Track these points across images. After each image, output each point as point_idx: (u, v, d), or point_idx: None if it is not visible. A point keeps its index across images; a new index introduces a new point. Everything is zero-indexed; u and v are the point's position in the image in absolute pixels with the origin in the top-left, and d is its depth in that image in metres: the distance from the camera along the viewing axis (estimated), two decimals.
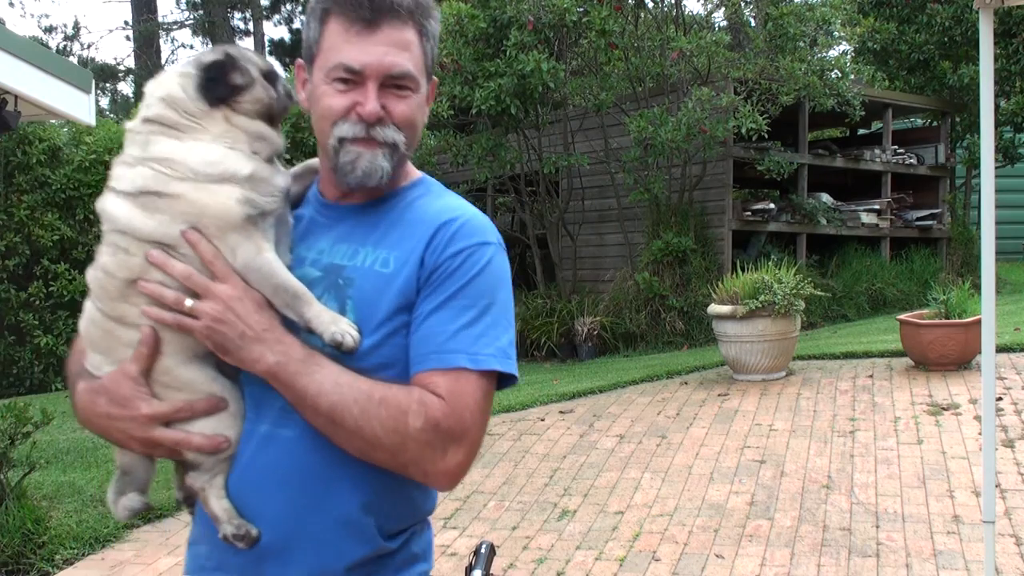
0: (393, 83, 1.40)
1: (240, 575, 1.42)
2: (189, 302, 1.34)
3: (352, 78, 1.39)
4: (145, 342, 1.36)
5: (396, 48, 1.39)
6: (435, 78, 1.54)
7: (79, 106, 5.62)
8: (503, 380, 1.42)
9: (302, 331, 1.37)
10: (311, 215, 1.48)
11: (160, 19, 22.40)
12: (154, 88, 1.43)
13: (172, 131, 1.39)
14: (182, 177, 1.35)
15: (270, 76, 1.47)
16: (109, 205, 1.38)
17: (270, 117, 1.46)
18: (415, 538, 1.49)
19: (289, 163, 1.54)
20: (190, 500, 1.48)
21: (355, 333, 1.36)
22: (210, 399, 1.38)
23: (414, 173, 1.52)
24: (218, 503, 1.40)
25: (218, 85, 1.39)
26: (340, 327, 1.35)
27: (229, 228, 1.34)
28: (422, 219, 1.43)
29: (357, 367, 1.36)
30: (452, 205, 1.46)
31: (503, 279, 1.44)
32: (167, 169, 1.35)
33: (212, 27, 21.91)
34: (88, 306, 1.42)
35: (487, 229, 1.44)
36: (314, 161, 1.53)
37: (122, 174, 1.38)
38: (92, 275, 1.40)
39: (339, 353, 1.35)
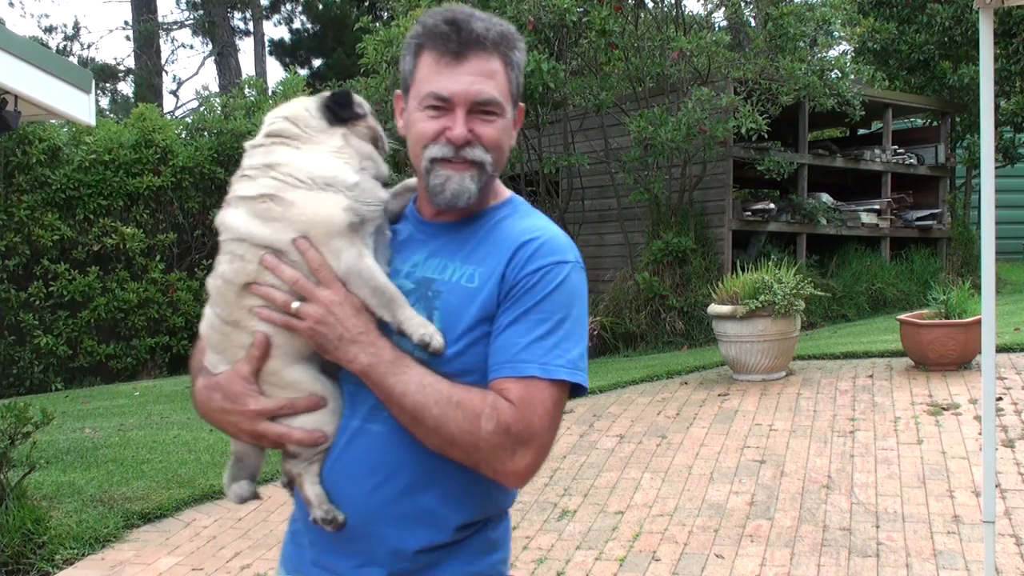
0: (480, 109, 1.53)
1: (325, 551, 1.57)
2: (296, 304, 1.48)
3: (442, 105, 1.52)
4: (257, 345, 1.52)
5: (482, 77, 1.52)
6: (521, 104, 1.65)
7: (79, 106, 5.61)
8: (575, 390, 1.53)
9: (394, 335, 1.51)
10: (409, 231, 1.63)
11: (160, 19, 22.41)
12: (278, 111, 1.61)
13: (292, 142, 1.55)
14: (297, 185, 1.50)
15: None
16: (229, 217, 1.54)
17: (375, 147, 1.63)
18: (491, 526, 1.60)
19: None
20: (291, 484, 1.61)
21: (440, 338, 1.49)
22: (311, 398, 1.53)
23: (504, 193, 1.65)
24: (311, 489, 1.55)
25: (342, 108, 1.58)
26: (428, 330, 1.49)
27: (335, 234, 1.49)
28: (506, 238, 1.56)
29: (441, 372, 1.49)
30: (535, 225, 1.58)
31: (578, 295, 1.56)
32: (284, 176, 1.51)
33: (212, 27, 21.91)
34: (207, 311, 1.58)
35: (566, 248, 1.57)
36: (412, 181, 1.66)
37: (243, 185, 1.54)
38: (212, 283, 1.56)
39: (426, 354, 1.49)
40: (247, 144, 1.60)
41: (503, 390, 1.47)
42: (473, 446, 1.45)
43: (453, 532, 1.54)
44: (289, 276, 1.48)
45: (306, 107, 1.59)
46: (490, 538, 1.59)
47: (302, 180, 1.50)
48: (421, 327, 1.49)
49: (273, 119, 1.59)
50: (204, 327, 1.59)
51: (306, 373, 1.53)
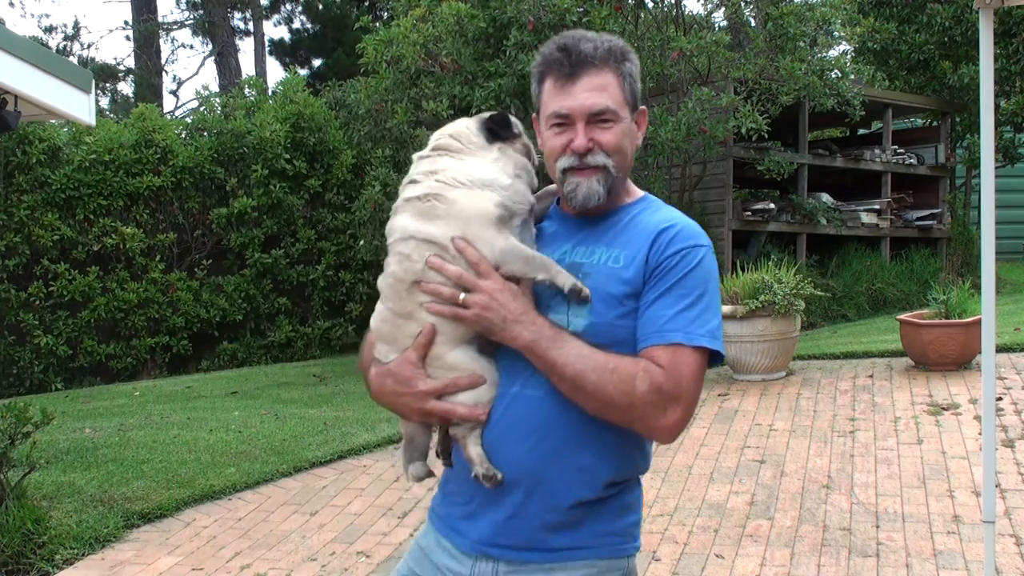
0: (596, 119, 1.75)
1: (484, 503, 1.75)
2: (462, 296, 1.68)
3: (564, 121, 1.76)
4: (425, 335, 1.71)
5: (595, 91, 1.74)
6: (643, 107, 1.87)
7: (79, 106, 5.61)
8: (713, 359, 1.72)
9: (543, 312, 1.71)
10: (555, 227, 1.85)
11: (160, 19, 22.39)
12: (443, 129, 1.85)
13: (455, 154, 1.80)
14: (457, 186, 1.73)
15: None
16: (397, 221, 1.77)
17: (528, 160, 1.87)
18: (628, 490, 1.79)
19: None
20: (447, 452, 1.81)
21: (587, 290, 1.70)
22: (471, 376, 1.72)
23: (638, 192, 1.88)
24: (474, 449, 1.73)
25: (501, 127, 1.82)
26: (576, 281, 1.70)
27: (487, 224, 1.71)
28: (646, 227, 1.77)
29: (595, 343, 1.67)
30: (671, 216, 1.80)
31: (712, 275, 1.76)
32: (447, 179, 1.74)
33: (212, 27, 21.89)
34: (379, 307, 1.79)
35: (700, 234, 1.78)
36: (553, 186, 1.88)
37: (410, 188, 1.77)
38: (383, 281, 1.78)
39: (578, 301, 1.70)
40: (415, 155, 1.83)
41: (653, 357, 1.66)
42: (629, 405, 1.64)
43: (601, 489, 1.72)
44: (453, 272, 1.68)
45: (468, 126, 1.83)
46: (627, 501, 1.79)
47: (462, 182, 1.73)
48: (569, 278, 1.70)
49: (439, 136, 1.84)
50: (375, 322, 1.80)
51: (466, 355, 1.72)
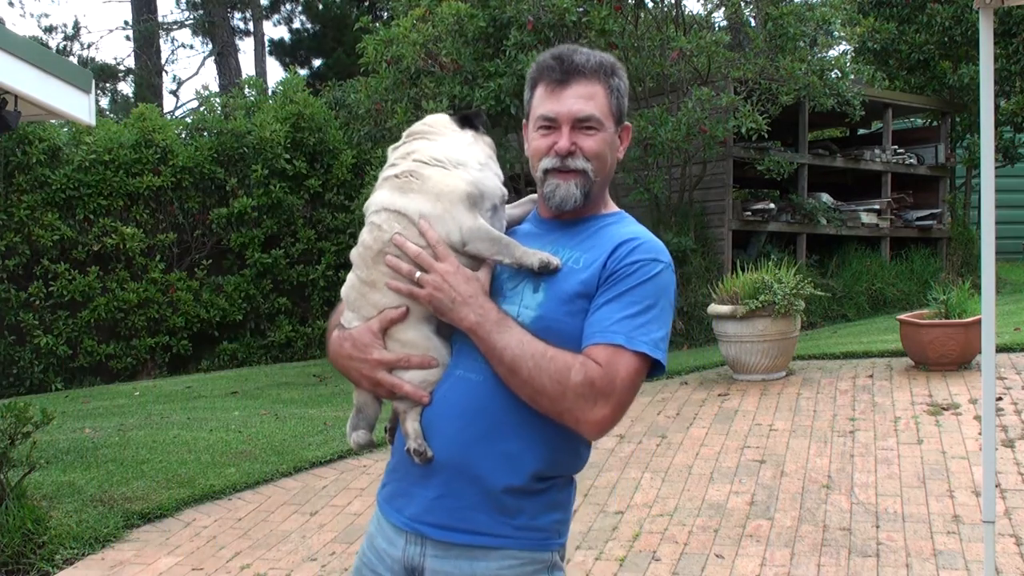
0: (581, 125, 1.82)
1: (417, 481, 1.81)
2: (419, 274, 1.76)
3: (551, 124, 1.84)
4: (400, 313, 1.79)
5: (583, 99, 1.82)
6: (628, 124, 1.94)
7: (79, 106, 5.61)
8: (654, 369, 1.77)
9: (497, 300, 1.79)
10: (529, 228, 1.94)
11: (160, 19, 22.38)
12: (418, 122, 1.96)
13: (430, 136, 1.89)
14: (433, 164, 1.83)
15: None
16: (375, 196, 1.86)
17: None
18: (557, 488, 1.82)
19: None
20: (392, 429, 1.90)
21: (557, 259, 1.78)
22: (424, 356, 1.80)
23: (614, 208, 1.94)
24: (412, 424, 1.80)
25: (473, 116, 1.94)
26: (543, 255, 1.78)
27: (458, 200, 1.79)
28: (611, 236, 1.83)
29: (540, 337, 1.73)
30: (638, 231, 1.86)
31: (667, 290, 1.80)
32: (424, 158, 1.84)
33: (212, 27, 21.88)
34: (350, 276, 1.89)
35: (661, 251, 1.82)
36: (534, 195, 1.99)
37: (389, 170, 1.86)
38: (354, 252, 1.87)
39: (550, 274, 1.78)
40: (390, 148, 1.94)
41: (592, 354, 1.71)
42: (560, 395, 1.69)
43: (528, 479, 1.76)
44: (412, 250, 1.77)
45: (440, 116, 1.95)
46: (555, 499, 1.81)
47: (438, 159, 1.83)
48: (536, 255, 1.78)
49: (414, 126, 1.94)
50: (345, 289, 1.89)
51: (421, 334, 1.80)
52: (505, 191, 1.90)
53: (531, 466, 1.76)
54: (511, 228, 1.94)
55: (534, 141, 1.87)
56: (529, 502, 1.77)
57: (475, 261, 1.81)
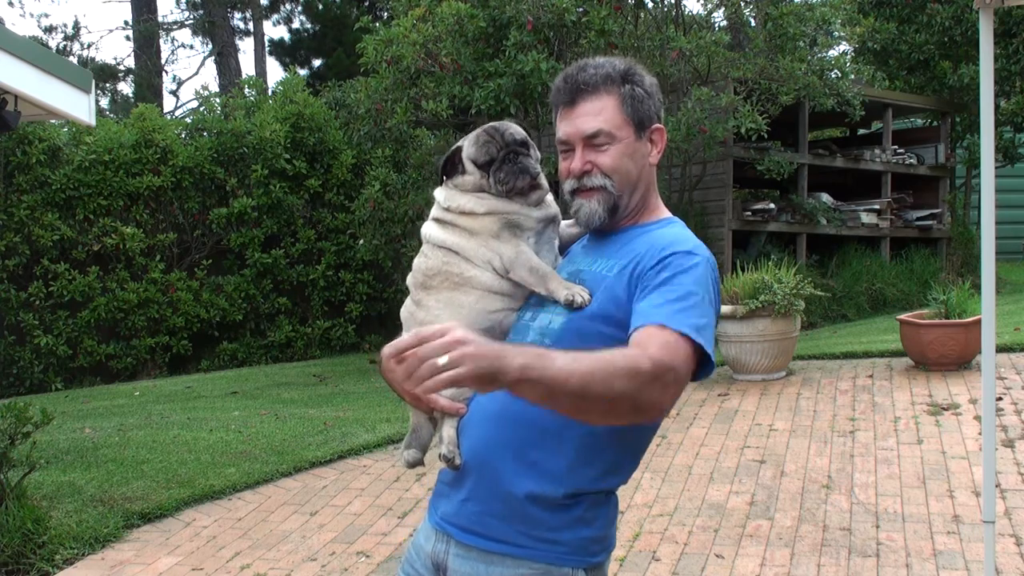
0: (592, 142, 1.82)
1: (452, 483, 1.84)
2: (443, 359, 1.43)
3: (567, 147, 1.86)
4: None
5: (590, 116, 1.81)
6: (659, 125, 1.89)
7: (79, 106, 5.60)
8: (701, 365, 1.65)
9: (527, 307, 1.88)
10: (584, 243, 1.97)
11: (160, 19, 22.37)
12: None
13: (467, 194, 1.95)
14: (467, 213, 1.93)
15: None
16: (424, 228, 1.99)
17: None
18: (589, 504, 1.76)
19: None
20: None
21: (585, 295, 1.78)
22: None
23: (663, 213, 1.92)
24: (447, 430, 1.84)
25: (444, 169, 2.01)
26: (572, 291, 1.79)
27: (491, 237, 1.88)
28: (650, 240, 1.81)
29: (570, 342, 1.71)
30: (680, 233, 1.83)
31: (706, 283, 1.72)
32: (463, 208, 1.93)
33: (212, 27, 21.87)
34: (407, 300, 1.98)
35: (699, 247, 1.78)
36: None
37: (435, 211, 1.99)
38: (409, 278, 1.98)
39: (572, 309, 1.77)
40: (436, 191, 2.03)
41: (636, 340, 1.62)
42: (637, 390, 1.52)
43: (552, 488, 1.72)
44: (406, 341, 1.48)
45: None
46: (585, 516, 1.75)
47: (470, 212, 1.92)
48: (565, 289, 1.79)
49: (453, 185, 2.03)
50: (403, 311, 1.98)
51: None
52: (540, 212, 1.93)
53: (557, 474, 1.72)
54: (569, 245, 2.00)
55: (559, 164, 1.89)
56: (552, 514, 1.73)
57: (520, 288, 1.87)
